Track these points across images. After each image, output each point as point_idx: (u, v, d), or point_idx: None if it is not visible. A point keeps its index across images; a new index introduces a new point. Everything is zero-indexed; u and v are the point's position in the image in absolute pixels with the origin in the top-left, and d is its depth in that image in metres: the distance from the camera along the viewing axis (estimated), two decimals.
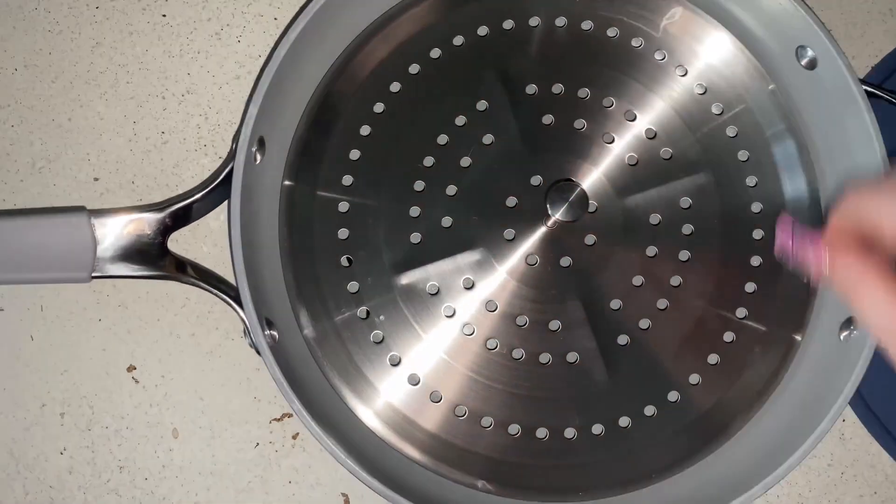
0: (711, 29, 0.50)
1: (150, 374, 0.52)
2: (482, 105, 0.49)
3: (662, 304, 0.48)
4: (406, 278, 0.48)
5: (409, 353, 0.47)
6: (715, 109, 0.50)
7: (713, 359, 0.48)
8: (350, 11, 0.48)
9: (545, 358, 0.48)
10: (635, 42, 0.50)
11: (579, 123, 0.49)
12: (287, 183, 0.48)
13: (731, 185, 0.49)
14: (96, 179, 0.53)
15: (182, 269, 0.46)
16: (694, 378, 0.48)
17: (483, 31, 0.50)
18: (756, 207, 0.49)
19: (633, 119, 0.49)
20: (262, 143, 0.46)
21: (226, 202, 0.45)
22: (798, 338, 0.48)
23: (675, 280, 0.48)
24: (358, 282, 0.48)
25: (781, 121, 0.49)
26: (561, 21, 0.50)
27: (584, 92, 0.49)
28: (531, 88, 0.49)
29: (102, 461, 0.51)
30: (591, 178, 0.49)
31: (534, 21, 0.50)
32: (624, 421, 0.47)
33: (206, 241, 0.53)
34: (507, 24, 0.50)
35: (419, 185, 0.48)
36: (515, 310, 0.48)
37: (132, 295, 0.52)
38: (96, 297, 0.52)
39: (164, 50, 0.54)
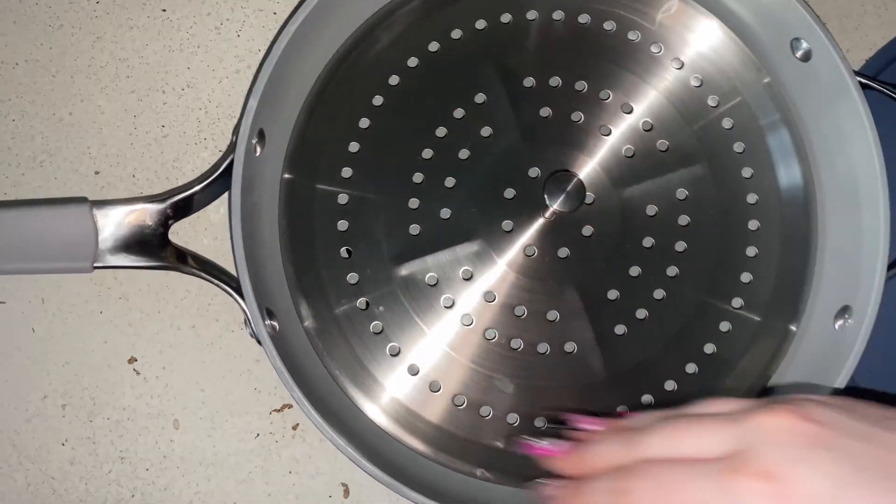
0: (707, 21, 0.50)
1: (151, 366, 0.52)
2: (480, 98, 0.50)
3: (659, 294, 0.49)
4: (405, 269, 0.48)
5: (409, 343, 0.48)
6: (711, 101, 0.50)
7: (709, 348, 0.48)
8: (349, 5, 0.49)
9: (543, 348, 0.48)
10: (632, 35, 0.50)
11: (577, 116, 0.50)
12: (287, 175, 0.49)
13: (726, 176, 0.49)
14: (97, 173, 0.54)
15: (183, 260, 0.46)
16: (690, 368, 0.48)
17: (481, 24, 0.50)
18: (752, 198, 0.49)
19: (630, 111, 0.50)
20: (262, 136, 0.46)
21: (226, 194, 0.46)
22: (793, 328, 0.49)
23: (672, 271, 0.49)
24: (357, 273, 0.48)
25: (776, 113, 0.50)
26: (558, 14, 0.51)
27: (581, 85, 0.50)
28: (529, 81, 0.50)
29: (104, 452, 0.52)
30: (589, 169, 0.49)
31: (531, 14, 0.51)
32: (621, 410, 0.48)
33: (206, 234, 0.53)
34: (505, 18, 0.50)
35: (418, 178, 0.49)
36: (514, 300, 0.48)
37: (133, 287, 0.53)
38: (97, 289, 0.52)
39: (164, 44, 0.55)
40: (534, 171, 0.49)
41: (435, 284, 0.48)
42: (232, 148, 0.45)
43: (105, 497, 0.51)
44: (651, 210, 0.49)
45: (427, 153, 0.49)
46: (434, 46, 0.50)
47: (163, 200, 0.45)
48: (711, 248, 0.49)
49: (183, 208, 0.46)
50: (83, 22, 0.55)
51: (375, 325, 0.48)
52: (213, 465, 0.52)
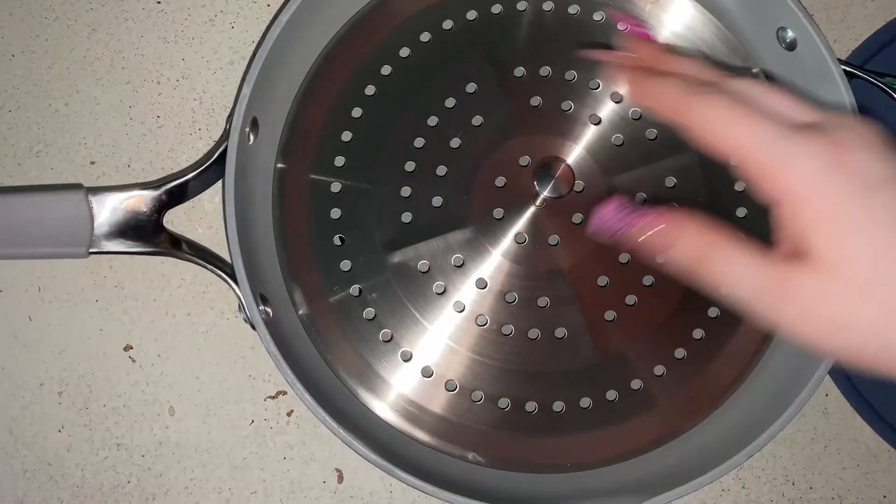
0: (694, 11, 0.51)
1: (147, 354, 0.53)
2: (471, 87, 0.50)
3: (648, 280, 0.49)
4: (398, 257, 0.49)
5: (402, 330, 0.48)
6: None
7: (698, 333, 0.49)
8: None
9: (534, 333, 0.49)
10: (621, 26, 0.51)
11: (566, 105, 0.50)
12: (280, 165, 0.49)
13: (714, 164, 0.50)
14: (93, 163, 0.54)
15: (178, 246, 0.46)
16: (679, 352, 0.49)
17: (472, 15, 0.51)
18: (739, 186, 0.50)
19: (619, 101, 0.50)
20: (255, 124, 0.47)
21: (220, 182, 0.46)
22: None
23: (661, 257, 0.49)
24: (350, 260, 0.49)
25: None
26: (548, 5, 0.51)
27: (570, 74, 0.50)
28: (519, 71, 0.50)
29: (100, 439, 0.52)
30: (578, 157, 0.50)
31: (521, 5, 0.51)
32: (611, 394, 0.48)
33: (201, 223, 0.54)
34: (496, 9, 0.51)
35: (410, 166, 0.49)
36: (505, 287, 0.49)
37: (129, 275, 0.53)
38: (93, 277, 0.53)
39: (159, 36, 0.55)
40: (524, 160, 0.49)
41: (427, 272, 0.49)
42: (226, 135, 0.45)
43: (101, 483, 0.52)
44: (640, 198, 0.50)
45: (419, 142, 0.50)
46: (426, 37, 0.51)
47: (157, 187, 0.46)
48: None
49: (177, 195, 0.46)
50: (79, 14, 0.55)
51: (368, 311, 0.48)
52: (208, 451, 0.52)
